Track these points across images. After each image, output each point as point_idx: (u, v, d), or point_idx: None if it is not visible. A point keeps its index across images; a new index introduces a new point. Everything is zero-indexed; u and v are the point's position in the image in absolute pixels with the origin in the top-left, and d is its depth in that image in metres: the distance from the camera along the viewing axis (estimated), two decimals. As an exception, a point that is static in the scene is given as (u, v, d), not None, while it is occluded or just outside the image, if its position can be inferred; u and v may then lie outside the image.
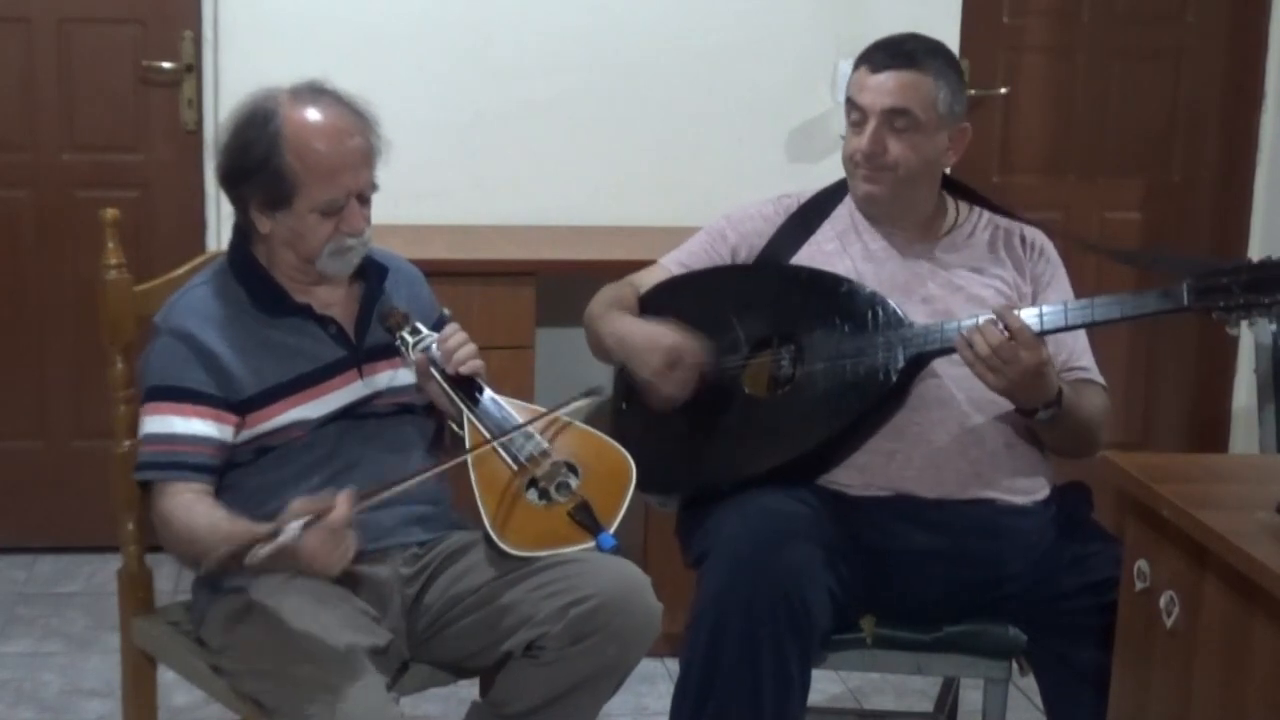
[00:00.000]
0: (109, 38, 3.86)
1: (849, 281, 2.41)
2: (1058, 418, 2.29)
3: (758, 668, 2.19)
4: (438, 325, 2.37)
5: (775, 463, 2.34)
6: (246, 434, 2.25)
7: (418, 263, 2.53)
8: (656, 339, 2.40)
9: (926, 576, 2.32)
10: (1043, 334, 2.24)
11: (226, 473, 2.25)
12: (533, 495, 2.23)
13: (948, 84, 2.39)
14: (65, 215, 3.89)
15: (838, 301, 2.39)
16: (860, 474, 2.35)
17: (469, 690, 2.37)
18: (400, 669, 2.23)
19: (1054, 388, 2.27)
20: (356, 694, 2.01)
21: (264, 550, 1.92)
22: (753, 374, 2.44)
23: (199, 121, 3.88)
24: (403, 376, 2.35)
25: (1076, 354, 2.44)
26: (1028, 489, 2.38)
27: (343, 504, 1.99)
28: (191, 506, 2.16)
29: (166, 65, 3.86)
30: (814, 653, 2.27)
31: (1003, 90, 4.27)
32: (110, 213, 2.41)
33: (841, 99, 2.53)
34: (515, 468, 2.25)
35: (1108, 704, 2.16)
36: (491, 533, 2.20)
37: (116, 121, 3.90)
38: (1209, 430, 4.50)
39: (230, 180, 2.27)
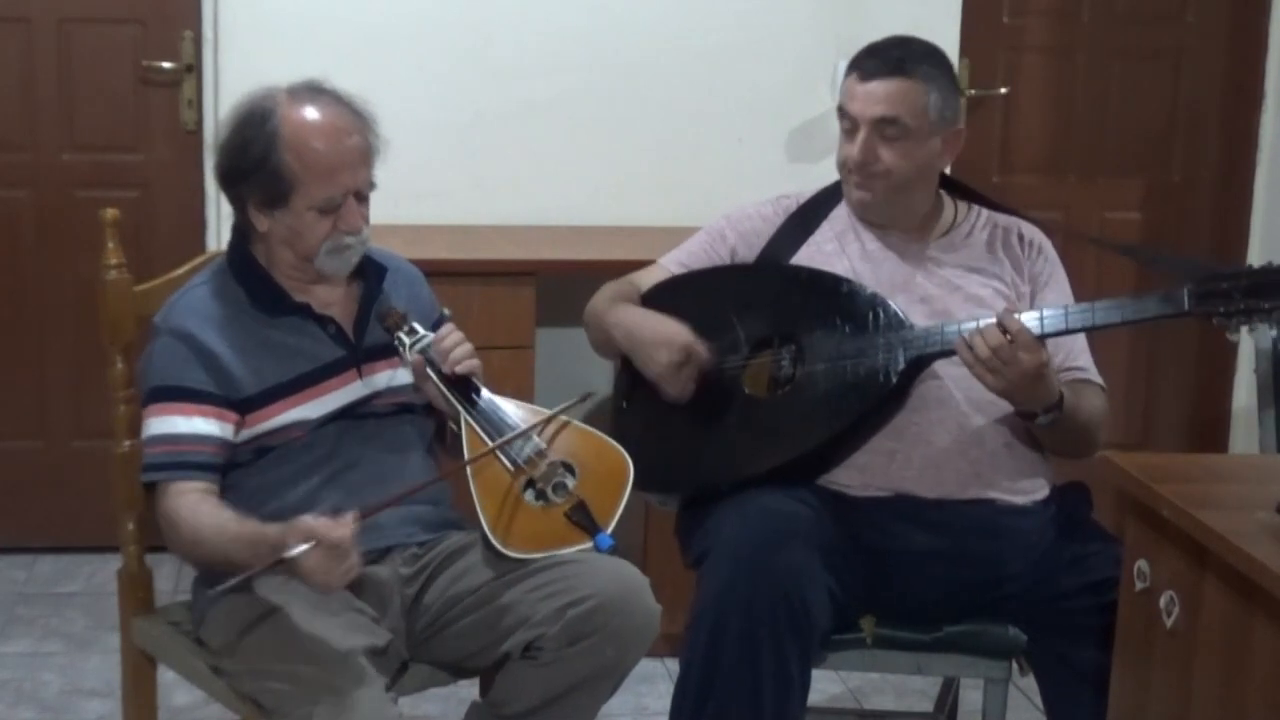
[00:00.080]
0: (109, 38, 3.86)
1: (849, 282, 2.41)
2: (1058, 421, 2.29)
3: (758, 668, 2.18)
4: (437, 325, 2.37)
5: (775, 463, 2.34)
6: (246, 434, 2.24)
7: (418, 263, 2.53)
8: (669, 335, 2.39)
9: (926, 576, 2.32)
10: (1043, 337, 2.24)
11: (227, 473, 2.25)
12: (530, 496, 2.23)
13: (938, 89, 2.38)
14: (65, 215, 3.88)
15: (838, 302, 2.39)
16: (860, 474, 2.35)
17: (469, 690, 2.37)
18: (400, 669, 2.23)
19: (1054, 391, 2.27)
20: (357, 695, 2.01)
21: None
22: (753, 374, 2.44)
23: (199, 121, 3.88)
24: (402, 376, 2.35)
25: (1074, 354, 2.44)
26: (1027, 489, 2.38)
27: (346, 526, 1.99)
28: (197, 507, 2.16)
29: (166, 65, 3.86)
30: (814, 653, 2.27)
31: (1003, 90, 4.27)
32: (110, 213, 2.41)
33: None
34: (512, 469, 2.24)
35: (1108, 704, 2.16)
36: (489, 535, 2.20)
37: (116, 121, 3.90)
38: (1209, 430, 4.50)
39: (228, 179, 2.28)
